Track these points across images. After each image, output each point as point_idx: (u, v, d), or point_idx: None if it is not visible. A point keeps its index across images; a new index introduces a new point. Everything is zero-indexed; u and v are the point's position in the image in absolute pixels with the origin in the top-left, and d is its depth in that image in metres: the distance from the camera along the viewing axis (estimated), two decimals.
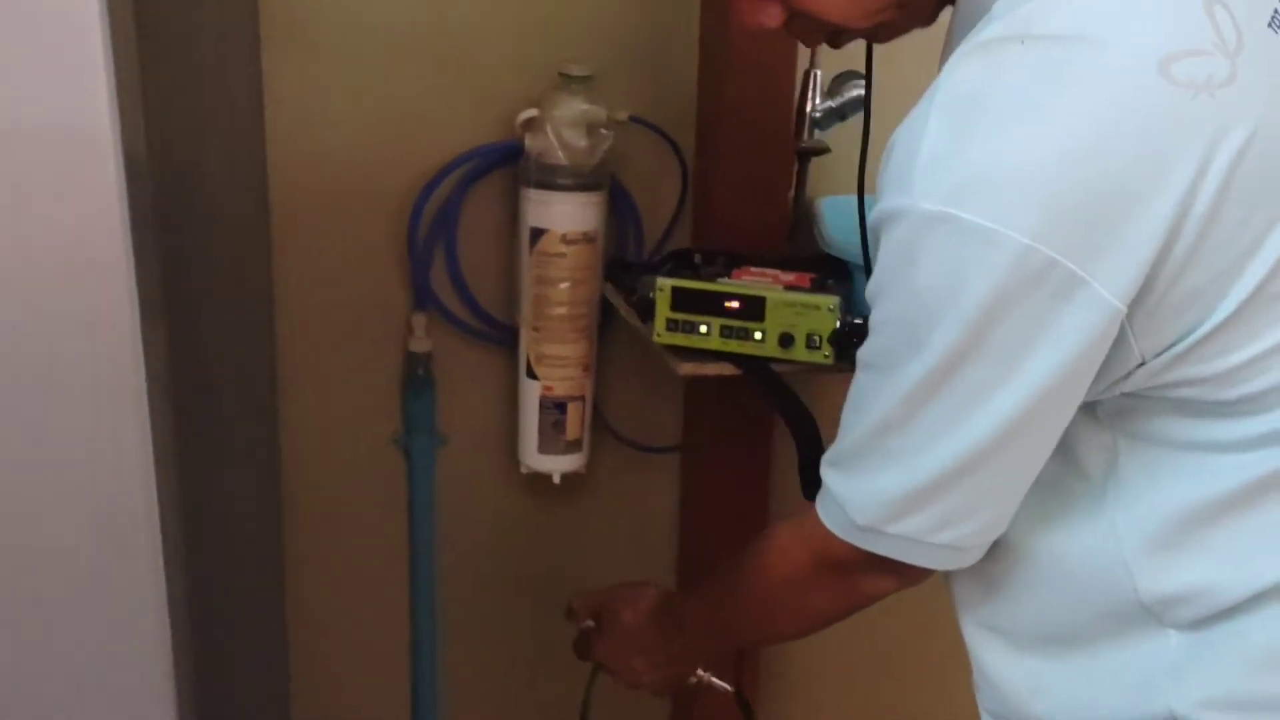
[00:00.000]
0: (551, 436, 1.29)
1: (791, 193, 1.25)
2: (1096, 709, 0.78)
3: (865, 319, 1.03)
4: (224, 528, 1.13)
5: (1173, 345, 0.66)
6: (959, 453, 0.69)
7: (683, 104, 1.30)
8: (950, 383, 0.67)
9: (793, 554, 0.85)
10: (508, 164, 1.30)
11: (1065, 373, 0.65)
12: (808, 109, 1.23)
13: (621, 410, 1.39)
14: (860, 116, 1.25)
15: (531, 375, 1.28)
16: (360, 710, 1.45)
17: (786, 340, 1.01)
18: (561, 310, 1.25)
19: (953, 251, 0.63)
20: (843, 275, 1.11)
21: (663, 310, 1.03)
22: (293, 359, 1.31)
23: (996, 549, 0.78)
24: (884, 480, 0.74)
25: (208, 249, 1.06)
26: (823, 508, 0.80)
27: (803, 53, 1.21)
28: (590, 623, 1.13)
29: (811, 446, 1.04)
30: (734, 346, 1.03)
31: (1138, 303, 0.63)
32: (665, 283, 1.03)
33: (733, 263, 1.11)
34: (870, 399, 0.73)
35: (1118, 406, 0.72)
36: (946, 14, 0.76)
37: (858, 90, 1.23)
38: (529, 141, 1.21)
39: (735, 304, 1.01)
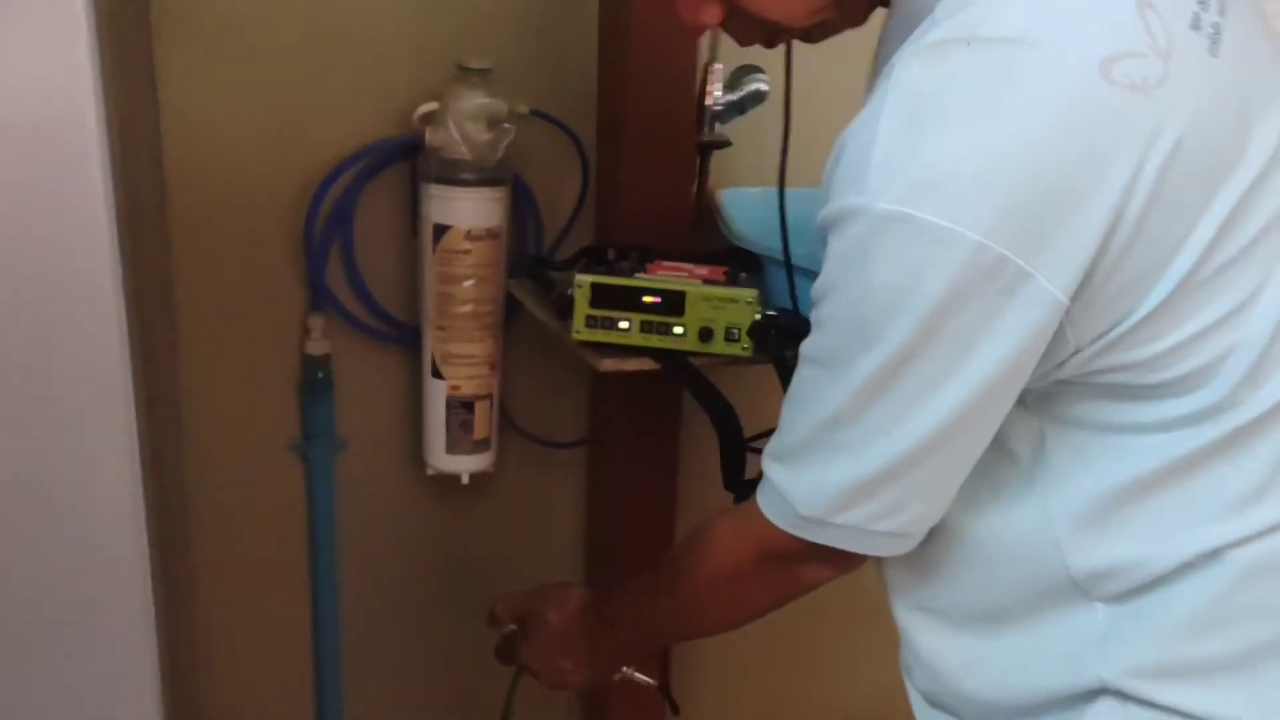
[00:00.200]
0: (459, 436, 1.27)
1: (694, 186, 1.26)
2: (1028, 681, 0.81)
3: (780, 311, 1.06)
4: None
5: (1105, 334, 0.69)
6: (907, 444, 0.71)
7: (582, 97, 1.29)
8: (901, 377, 0.69)
9: (733, 548, 0.85)
10: (403, 159, 1.27)
11: (1010, 364, 0.68)
12: (708, 103, 1.24)
13: (526, 407, 1.38)
14: (759, 110, 1.28)
15: (437, 375, 1.25)
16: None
17: (706, 334, 1.02)
18: (467, 308, 1.23)
19: (908, 249, 0.64)
20: (753, 267, 1.12)
21: (582, 307, 1.02)
22: (189, 363, 1.25)
23: (931, 533, 0.80)
24: (831, 472, 0.75)
25: None
26: (765, 500, 0.81)
27: (701, 46, 1.22)
28: (513, 626, 1.12)
29: (733, 438, 1.05)
30: (654, 341, 1.03)
31: (1076, 294, 0.66)
32: (584, 279, 1.02)
33: (646, 257, 1.11)
34: (817, 394, 0.74)
35: (1045, 393, 0.75)
36: (878, 14, 0.77)
37: (757, 84, 1.25)
38: (430, 136, 1.19)
39: (655, 299, 1.01)
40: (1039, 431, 0.76)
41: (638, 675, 1.12)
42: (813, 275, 1.03)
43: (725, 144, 1.26)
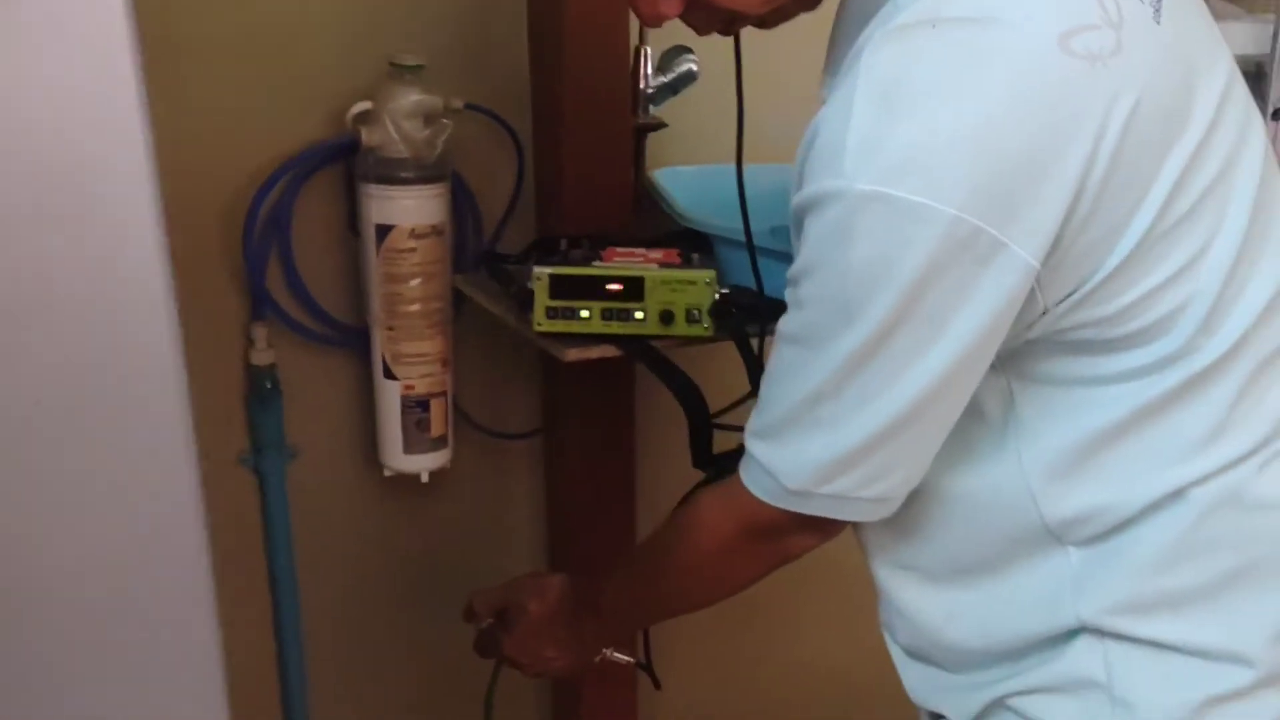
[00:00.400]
0: (416, 436, 1.26)
1: (633, 170, 1.27)
2: (1009, 627, 0.85)
3: (734, 288, 1.08)
4: None
5: (1072, 293, 0.72)
6: (889, 414, 0.74)
7: (513, 88, 1.29)
8: (882, 350, 0.71)
9: (720, 525, 0.87)
10: (335, 161, 1.25)
11: (987, 330, 0.71)
12: (641, 85, 1.25)
13: (478, 401, 1.38)
14: (692, 89, 1.29)
15: (389, 376, 1.24)
16: None
17: (667, 317, 1.04)
18: (415, 307, 1.22)
19: (887, 227, 0.67)
20: (704, 247, 1.14)
21: (541, 299, 1.03)
22: None
23: (909, 494, 0.84)
24: (815, 446, 0.77)
25: None
26: (749, 477, 0.83)
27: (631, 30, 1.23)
28: (489, 620, 1.13)
29: (699, 417, 1.07)
30: (615, 328, 1.04)
31: (1046, 259, 0.69)
32: (543, 271, 1.02)
33: (598, 245, 1.12)
34: (798, 371, 0.76)
35: (1012, 353, 0.78)
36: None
37: (688, 64, 1.26)
38: (366, 136, 1.17)
39: (615, 286, 1.03)
40: (1007, 390, 0.80)
41: (617, 655, 1.14)
42: (764, 251, 1.07)
43: (661, 125, 1.27)
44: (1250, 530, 0.78)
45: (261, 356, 1.26)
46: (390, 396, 1.25)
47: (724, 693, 1.68)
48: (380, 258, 1.20)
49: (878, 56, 0.68)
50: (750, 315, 1.06)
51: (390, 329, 1.23)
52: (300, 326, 1.28)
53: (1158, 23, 0.71)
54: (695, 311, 1.04)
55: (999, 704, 0.86)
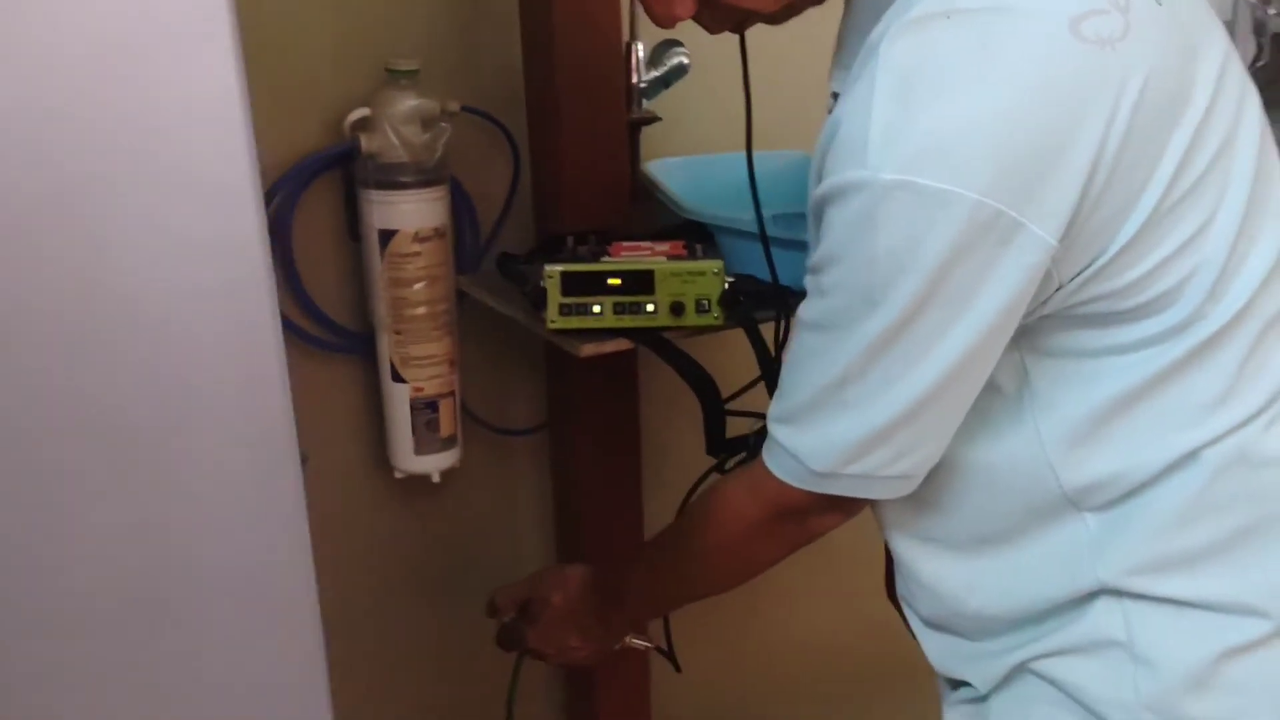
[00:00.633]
0: (427, 437, 1.28)
1: (629, 164, 1.29)
2: (1030, 593, 0.87)
3: (739, 277, 1.11)
4: None
5: (1085, 269, 0.75)
6: (913, 395, 0.76)
7: (508, 89, 1.30)
8: (906, 333, 0.74)
9: (746, 509, 0.90)
10: (332, 168, 1.26)
11: (1007, 308, 0.73)
12: (634, 80, 1.27)
13: (484, 399, 1.39)
14: (684, 83, 1.31)
15: (398, 379, 1.26)
16: None
17: (678, 308, 1.06)
18: (421, 310, 1.23)
19: (911, 214, 0.69)
20: (706, 238, 1.16)
21: (554, 297, 1.04)
22: None
23: (931, 469, 0.86)
24: (841, 428, 0.80)
25: None
26: (774, 461, 0.86)
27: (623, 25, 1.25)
28: (511, 615, 1.15)
29: (714, 405, 1.09)
30: (627, 321, 1.06)
31: (1062, 237, 0.72)
32: (554, 269, 1.04)
33: (604, 241, 1.13)
34: (822, 356, 0.79)
35: (1025, 328, 0.80)
36: None
37: (679, 58, 1.28)
38: (366, 142, 1.18)
39: (625, 280, 1.04)
40: (1021, 364, 0.82)
41: (636, 641, 1.16)
42: (752, 237, 1.08)
43: (655, 119, 1.29)
44: (1259, 487, 0.81)
45: None
46: (399, 399, 1.26)
47: (731, 674, 1.71)
48: (385, 263, 1.21)
49: (895, 48, 0.70)
50: (757, 303, 1.08)
51: (398, 333, 1.24)
52: (305, 334, 1.29)
53: (1159, 4, 0.73)
54: (705, 302, 1.06)
55: (1022, 669, 0.89)
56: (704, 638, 1.61)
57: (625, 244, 1.12)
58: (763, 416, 0.89)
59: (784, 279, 1.07)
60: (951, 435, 0.82)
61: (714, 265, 1.05)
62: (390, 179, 1.19)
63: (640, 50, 1.26)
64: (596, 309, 1.05)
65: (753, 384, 1.13)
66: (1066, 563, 0.85)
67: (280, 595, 0.72)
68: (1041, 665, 0.87)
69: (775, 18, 0.84)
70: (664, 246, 1.11)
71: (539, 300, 1.05)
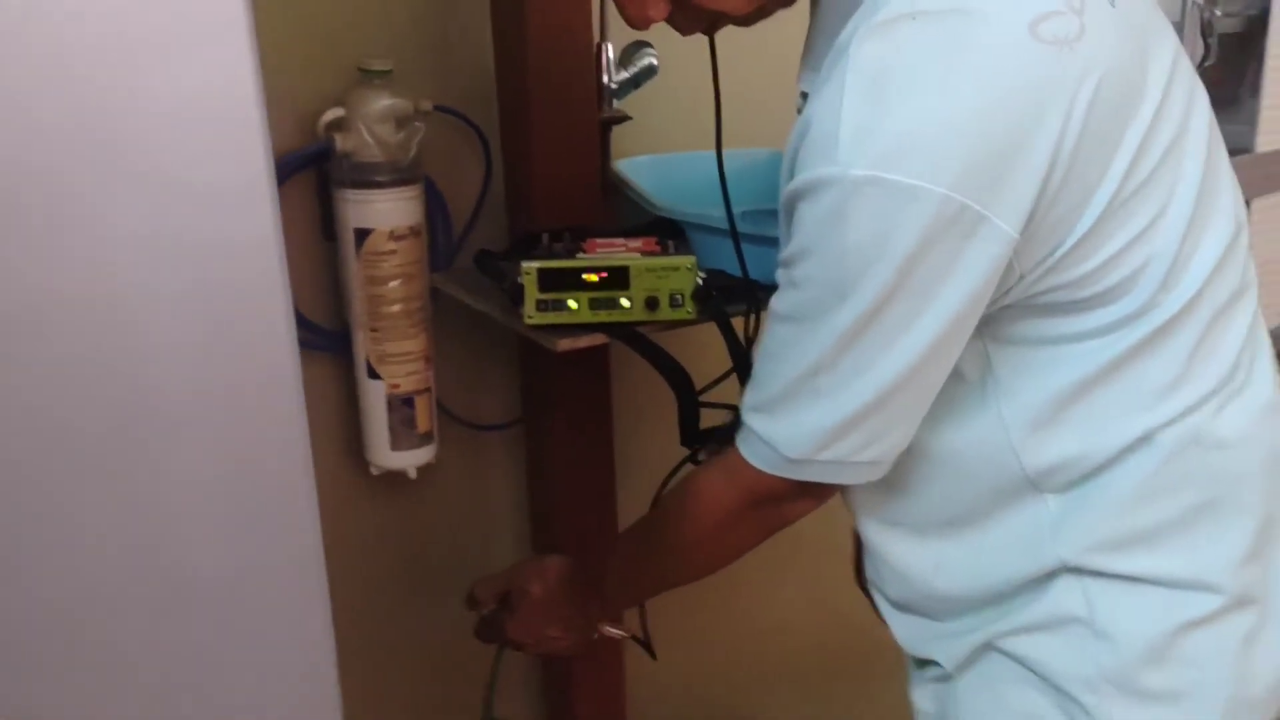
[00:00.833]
0: (403, 433, 1.29)
1: (600, 163, 1.31)
2: (995, 573, 0.91)
3: (711, 272, 1.13)
4: None
5: (1044, 260, 0.78)
6: (883, 382, 0.79)
7: (479, 89, 1.32)
8: (876, 323, 0.77)
9: (722, 496, 0.92)
10: (305, 168, 1.27)
11: (972, 297, 0.76)
12: (605, 81, 1.29)
13: (458, 395, 1.41)
14: (653, 83, 1.34)
15: (374, 376, 1.27)
16: None
17: (652, 303, 1.08)
18: (397, 307, 1.25)
19: (881, 209, 0.72)
20: (677, 234, 1.19)
21: (531, 293, 1.06)
22: None
23: (899, 455, 0.89)
24: (814, 416, 0.82)
25: None
26: (749, 449, 0.88)
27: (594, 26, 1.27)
28: (491, 606, 1.16)
29: (688, 397, 1.12)
30: (603, 316, 1.08)
31: (1023, 229, 0.75)
32: (530, 266, 1.06)
33: (578, 237, 1.15)
34: (794, 347, 0.81)
35: (987, 318, 0.84)
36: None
37: (648, 59, 1.31)
38: (340, 142, 1.19)
39: (601, 276, 1.07)
40: (984, 353, 0.86)
41: (613, 630, 1.18)
42: (723, 233, 1.11)
43: (625, 119, 1.31)
44: (1211, 468, 0.85)
45: None
46: (376, 396, 1.28)
47: (706, 661, 1.74)
48: (360, 261, 1.23)
49: (864, 49, 0.73)
50: (729, 297, 1.11)
51: (373, 330, 1.25)
52: None
53: (1113, 6, 0.77)
54: (679, 296, 1.08)
55: (987, 646, 0.92)
56: (679, 627, 1.64)
57: (599, 241, 1.14)
58: (735, 408, 0.91)
59: (754, 274, 1.10)
60: (919, 421, 0.85)
61: (687, 261, 1.07)
62: (365, 178, 1.20)
63: (611, 51, 1.29)
64: (572, 304, 1.07)
65: (725, 376, 1.16)
66: (1029, 543, 0.89)
67: (295, 595, 0.74)
68: (1006, 643, 0.91)
69: (746, 20, 0.86)
70: (637, 243, 1.13)
71: (516, 296, 1.07)
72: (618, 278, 1.07)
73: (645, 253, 1.10)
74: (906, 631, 0.99)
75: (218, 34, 0.62)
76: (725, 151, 1.08)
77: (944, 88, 0.71)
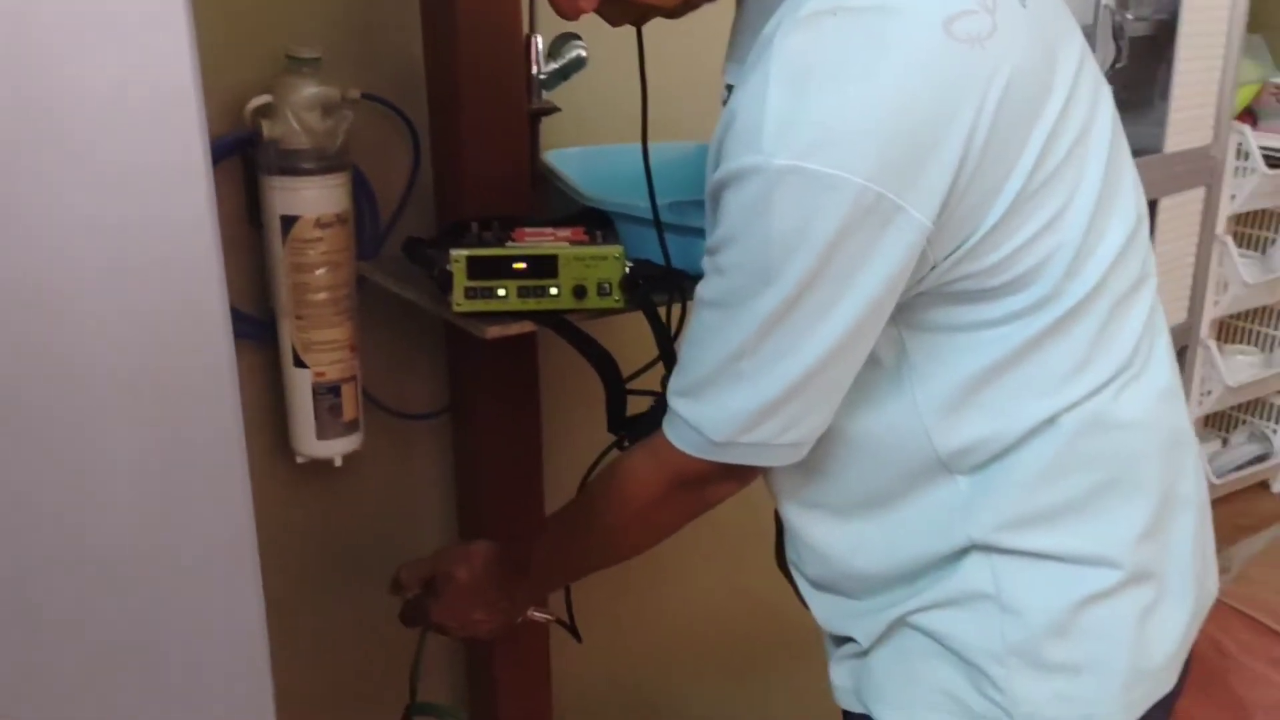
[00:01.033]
0: (329, 421, 1.29)
1: (528, 153, 1.32)
2: (909, 552, 0.94)
3: (638, 262, 1.15)
4: None
5: (956, 249, 0.81)
6: (804, 366, 0.82)
7: (408, 78, 1.32)
8: (797, 308, 0.79)
9: (648, 479, 0.94)
10: (230, 155, 1.26)
11: (888, 284, 0.79)
12: (534, 72, 1.31)
13: (384, 384, 1.41)
14: (581, 75, 1.35)
15: (300, 364, 1.27)
16: None
17: (580, 291, 1.10)
18: (323, 295, 1.25)
19: (803, 197, 0.74)
20: (606, 225, 1.21)
21: (460, 280, 1.07)
22: None
23: (819, 438, 0.92)
24: (738, 400, 0.85)
25: None
26: (674, 433, 0.90)
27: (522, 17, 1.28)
28: (415, 591, 1.17)
29: (615, 384, 1.14)
30: (532, 305, 1.10)
31: (936, 219, 0.78)
32: (460, 254, 1.07)
33: (507, 227, 1.17)
34: (719, 332, 0.84)
35: (902, 305, 0.87)
36: None
37: (577, 51, 1.32)
38: (267, 129, 1.19)
39: (530, 265, 1.08)
40: (899, 339, 0.89)
41: (538, 614, 1.20)
42: (648, 223, 1.13)
43: (554, 110, 1.33)
44: (1111, 448, 0.89)
45: None
46: (301, 385, 1.28)
47: (630, 644, 1.76)
48: (287, 248, 1.22)
49: (788, 43, 0.75)
50: (656, 286, 1.13)
51: (299, 318, 1.25)
52: None
53: (1024, 6, 0.81)
54: (606, 285, 1.10)
55: (900, 622, 0.95)
56: (604, 610, 1.66)
57: (528, 230, 1.15)
58: (661, 394, 0.94)
59: (677, 263, 1.12)
60: (838, 405, 0.88)
61: (615, 250, 1.09)
62: (292, 165, 1.20)
63: (540, 42, 1.30)
64: (501, 292, 1.09)
65: (651, 364, 1.18)
66: (941, 522, 0.92)
67: (227, 579, 0.74)
68: (918, 618, 0.94)
69: (674, 13, 0.88)
70: (565, 232, 1.15)
71: (445, 283, 1.08)
72: (547, 266, 1.09)
73: (574, 242, 1.12)
74: (825, 610, 1.02)
75: (155, 15, 0.63)
76: (653, 144, 1.10)
77: (863, 82, 0.74)
